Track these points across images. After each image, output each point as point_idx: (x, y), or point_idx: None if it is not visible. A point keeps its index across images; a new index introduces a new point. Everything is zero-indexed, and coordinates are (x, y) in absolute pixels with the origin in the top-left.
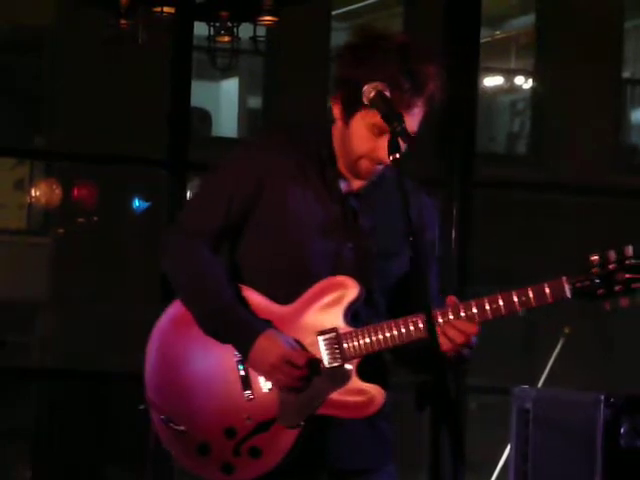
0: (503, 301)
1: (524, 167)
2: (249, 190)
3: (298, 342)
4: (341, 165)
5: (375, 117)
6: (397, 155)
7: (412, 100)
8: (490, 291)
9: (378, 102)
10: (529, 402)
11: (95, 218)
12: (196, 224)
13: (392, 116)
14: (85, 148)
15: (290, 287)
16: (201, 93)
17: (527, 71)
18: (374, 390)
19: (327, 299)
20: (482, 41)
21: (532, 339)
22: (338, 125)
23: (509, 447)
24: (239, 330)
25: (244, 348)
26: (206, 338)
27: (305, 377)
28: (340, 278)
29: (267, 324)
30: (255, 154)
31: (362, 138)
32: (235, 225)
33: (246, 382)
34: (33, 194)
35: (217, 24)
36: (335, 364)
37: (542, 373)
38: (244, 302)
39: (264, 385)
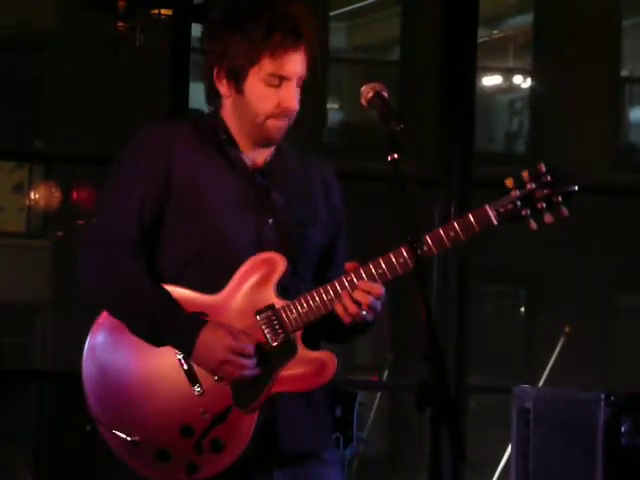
0: (432, 241)
1: (523, 166)
2: (158, 183)
3: (242, 330)
4: (241, 144)
5: (267, 66)
6: (395, 155)
7: (295, 43)
8: (489, 289)
9: (376, 102)
10: (529, 401)
11: (94, 220)
12: (110, 233)
13: (390, 116)
14: (84, 150)
15: (218, 274)
16: (199, 95)
17: (525, 70)
18: (325, 356)
19: (256, 278)
20: (480, 40)
21: (532, 338)
22: (229, 102)
23: (510, 447)
24: (178, 332)
25: (186, 348)
26: (141, 341)
27: (254, 365)
28: (265, 254)
29: (203, 318)
30: (155, 144)
31: (263, 96)
32: (152, 224)
33: (192, 377)
34: (32, 197)
35: None
36: (279, 340)
37: (543, 372)
38: (174, 302)
39: (212, 375)
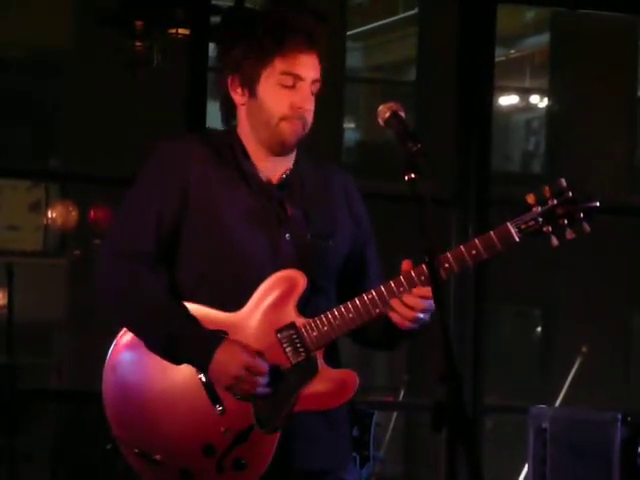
0: (454, 259)
1: (539, 186)
2: (175, 198)
3: (260, 349)
4: (257, 158)
5: (279, 65)
6: (413, 175)
7: (307, 46)
8: (507, 309)
9: (393, 122)
10: (546, 421)
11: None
12: (128, 245)
13: (407, 136)
14: (100, 170)
15: (235, 290)
16: (216, 114)
17: (542, 90)
18: (345, 375)
19: (276, 295)
20: (496, 60)
21: (549, 358)
22: (243, 111)
23: (526, 466)
24: (194, 348)
25: (202, 364)
26: (162, 359)
27: (269, 383)
28: (284, 272)
29: (221, 336)
30: (173, 159)
31: (277, 96)
32: (169, 238)
33: (214, 396)
34: (49, 216)
35: None
36: (300, 358)
37: (559, 392)
38: (192, 318)
39: (234, 395)
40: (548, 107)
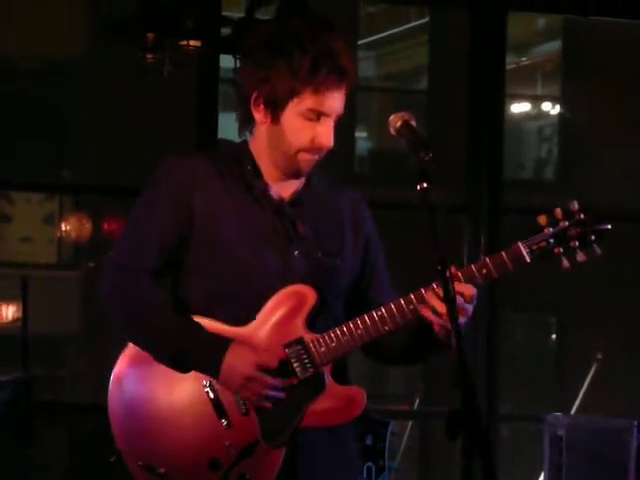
0: (464, 277)
1: (552, 193)
2: (180, 216)
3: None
4: (269, 175)
5: (308, 100)
6: (425, 185)
7: (339, 81)
8: (520, 317)
9: (405, 131)
10: (562, 429)
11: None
12: (133, 259)
13: (419, 145)
14: (113, 181)
15: (245, 310)
16: (228, 125)
17: (554, 97)
18: (353, 391)
19: (285, 310)
20: (508, 68)
21: (564, 366)
22: (262, 130)
23: (543, 474)
24: (203, 354)
25: (213, 368)
26: (167, 373)
27: (279, 386)
28: (294, 287)
29: (229, 340)
30: (179, 176)
31: (299, 129)
32: (173, 254)
33: (220, 410)
34: (63, 228)
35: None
36: (308, 374)
37: (575, 400)
38: (197, 325)
39: (240, 409)
40: (560, 114)
